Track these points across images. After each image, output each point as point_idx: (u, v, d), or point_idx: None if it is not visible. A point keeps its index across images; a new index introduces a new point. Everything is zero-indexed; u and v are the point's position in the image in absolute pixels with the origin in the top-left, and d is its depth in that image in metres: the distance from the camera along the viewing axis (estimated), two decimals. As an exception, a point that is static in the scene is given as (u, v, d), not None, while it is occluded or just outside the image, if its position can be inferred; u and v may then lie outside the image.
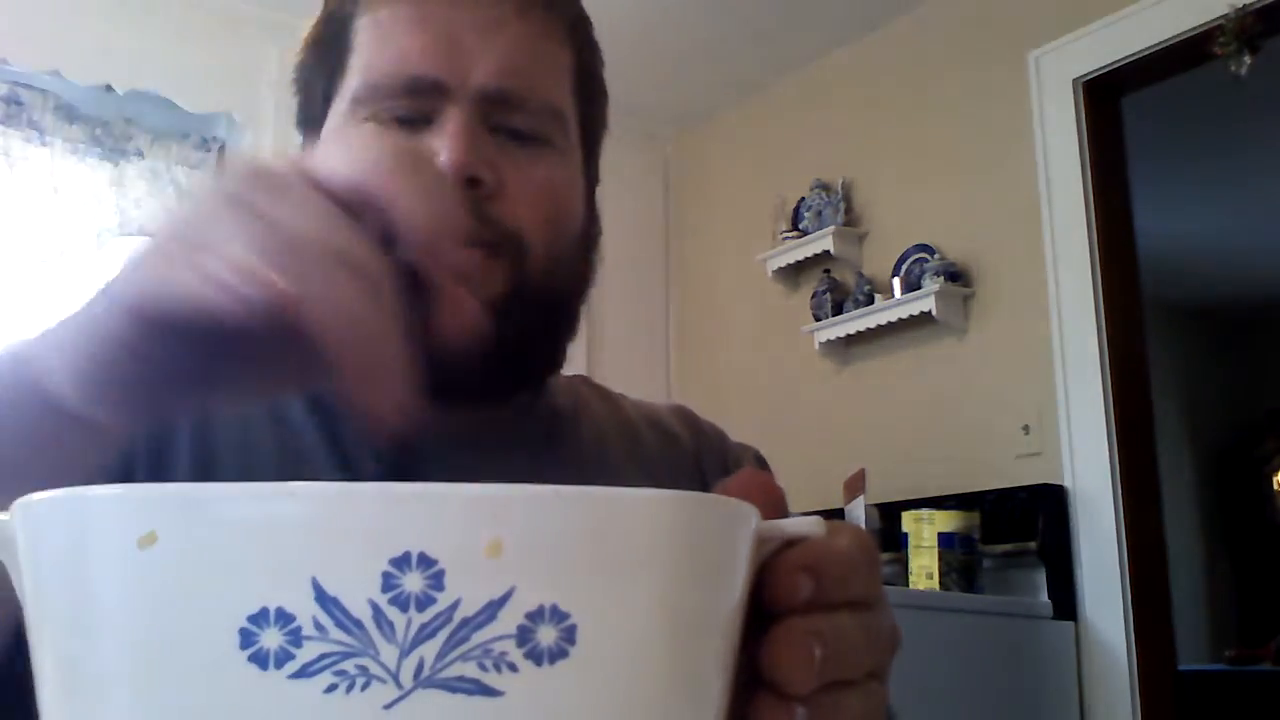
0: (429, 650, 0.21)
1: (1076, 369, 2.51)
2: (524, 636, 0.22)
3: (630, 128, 3.58)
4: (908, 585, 2.38)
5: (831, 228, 3.08)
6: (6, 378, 0.41)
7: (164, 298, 0.33)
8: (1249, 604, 5.43)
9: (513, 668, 0.22)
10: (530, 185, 0.63)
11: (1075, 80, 2.62)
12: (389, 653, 0.21)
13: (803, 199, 3.25)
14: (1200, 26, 2.38)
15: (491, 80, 0.62)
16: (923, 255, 2.87)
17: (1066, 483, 2.49)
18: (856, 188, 3.15)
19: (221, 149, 3.18)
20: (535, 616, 0.22)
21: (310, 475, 0.62)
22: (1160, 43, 2.48)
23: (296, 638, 0.21)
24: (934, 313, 2.75)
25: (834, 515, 2.31)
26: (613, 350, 3.49)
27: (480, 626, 0.22)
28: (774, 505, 0.30)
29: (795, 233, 3.23)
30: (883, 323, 2.90)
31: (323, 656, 0.21)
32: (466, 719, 0.22)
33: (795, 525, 0.30)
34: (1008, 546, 2.51)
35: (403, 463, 0.62)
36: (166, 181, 3.07)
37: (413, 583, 0.21)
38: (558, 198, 0.66)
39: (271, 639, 0.21)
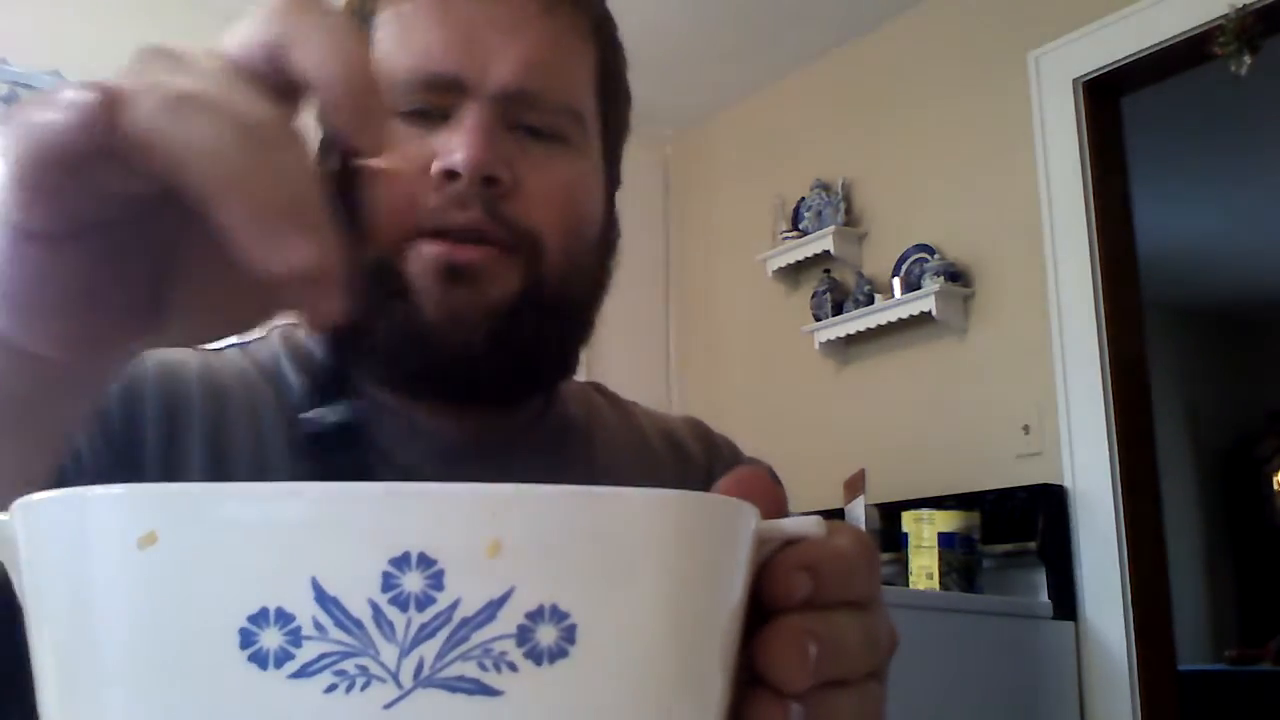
0: (429, 650, 0.21)
1: (1076, 369, 2.51)
2: (524, 636, 0.22)
3: (630, 128, 3.58)
4: (908, 585, 2.38)
5: (831, 228, 3.08)
6: None
7: (39, 147, 0.29)
8: (1249, 604, 5.43)
9: (512, 667, 0.22)
10: (547, 185, 0.63)
11: (1075, 80, 2.62)
12: (389, 652, 0.21)
13: (803, 199, 3.25)
14: (1200, 26, 2.38)
15: (511, 78, 0.62)
16: (923, 255, 2.87)
17: (1066, 483, 2.49)
18: (856, 188, 3.16)
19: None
20: (535, 616, 0.22)
21: (319, 476, 0.62)
22: (1160, 43, 2.48)
23: (296, 638, 0.21)
24: (934, 313, 2.75)
25: (834, 515, 2.31)
26: (613, 350, 3.49)
27: (480, 626, 0.22)
28: (774, 505, 0.30)
29: (795, 233, 3.23)
30: (883, 323, 2.90)
31: (322, 656, 0.21)
32: (466, 719, 0.22)
33: (795, 525, 0.30)
34: (1008, 546, 2.51)
35: (414, 470, 0.62)
36: (166, 181, 3.07)
37: (412, 582, 0.21)
38: (575, 198, 0.65)
39: (271, 639, 0.21)
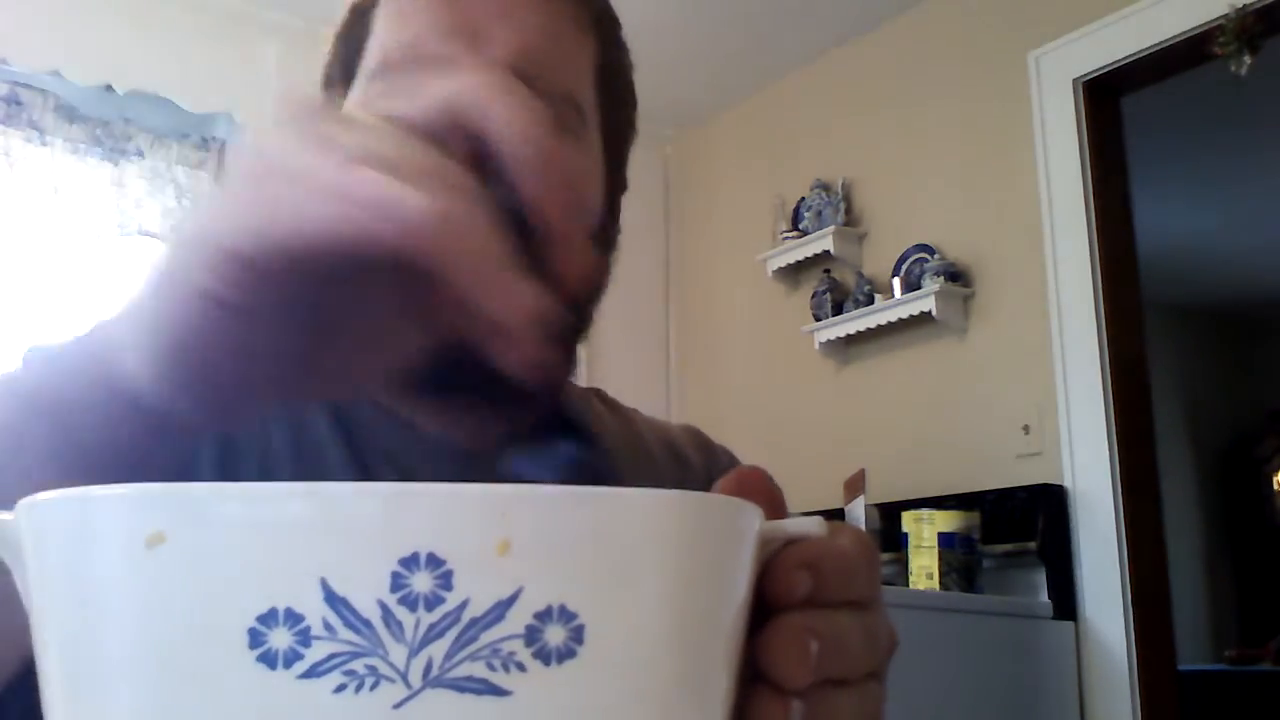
0: (438, 650, 0.21)
1: (1076, 369, 2.51)
2: (532, 636, 0.22)
3: (630, 128, 3.58)
4: (908, 585, 2.38)
5: (831, 228, 3.09)
6: (80, 374, 0.37)
7: (275, 230, 0.29)
8: (1249, 604, 5.43)
9: (521, 667, 0.22)
10: None
11: (1075, 80, 2.62)
12: (398, 652, 0.21)
13: (803, 199, 3.25)
14: (1200, 26, 2.38)
15: (505, 59, 0.61)
16: (923, 255, 2.87)
17: (1066, 483, 2.49)
18: (856, 188, 3.16)
19: (221, 149, 3.19)
20: (543, 616, 0.22)
21: (324, 476, 0.62)
22: (1160, 43, 2.48)
23: (305, 638, 0.21)
24: (934, 313, 2.75)
25: (834, 515, 2.31)
26: (613, 350, 3.49)
27: (489, 626, 0.22)
28: (773, 506, 0.30)
29: (795, 233, 3.23)
30: (883, 323, 2.90)
31: (331, 656, 0.21)
32: (475, 719, 0.22)
33: (797, 525, 0.30)
34: (1008, 546, 2.51)
35: (416, 471, 0.62)
36: (166, 181, 3.07)
37: (421, 583, 0.22)
38: (579, 184, 0.64)
39: (280, 639, 0.21)
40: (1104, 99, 2.65)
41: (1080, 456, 2.48)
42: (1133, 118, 2.74)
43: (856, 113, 3.20)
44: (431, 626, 0.21)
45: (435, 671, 0.21)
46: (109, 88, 2.88)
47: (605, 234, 0.69)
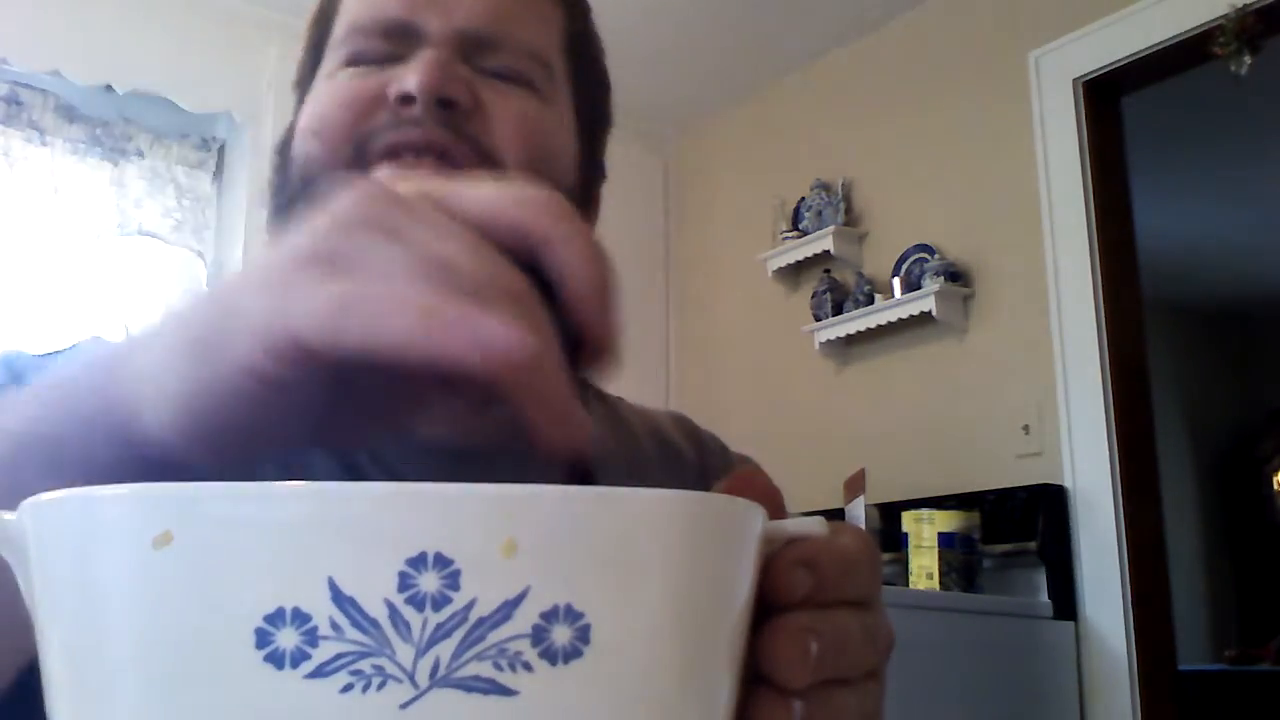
0: (445, 650, 0.22)
1: (1076, 369, 2.51)
2: (539, 636, 0.22)
3: (630, 128, 3.59)
4: (908, 585, 2.39)
5: (831, 228, 3.09)
6: (87, 420, 0.35)
7: (351, 335, 0.29)
8: (1249, 604, 5.43)
9: (528, 667, 0.22)
10: (512, 112, 0.61)
11: (1075, 80, 2.62)
12: (405, 652, 0.21)
13: (803, 199, 3.25)
14: (1200, 26, 2.38)
15: (468, 22, 0.61)
16: (923, 255, 2.87)
17: (1066, 483, 2.49)
18: (856, 188, 3.16)
19: (221, 149, 3.19)
20: (550, 616, 0.22)
21: (309, 475, 0.61)
22: (1160, 43, 2.48)
23: (313, 637, 0.21)
24: (934, 313, 2.75)
25: (834, 515, 2.31)
26: (613, 350, 3.49)
27: (496, 626, 0.22)
28: (773, 506, 0.30)
29: (795, 233, 3.23)
30: (883, 323, 2.90)
31: (339, 656, 0.21)
32: (482, 719, 0.22)
33: (798, 525, 0.30)
34: (1008, 546, 2.51)
35: (402, 467, 0.61)
36: (166, 181, 3.07)
37: (429, 583, 0.22)
38: (542, 136, 0.62)
39: (288, 639, 0.21)
40: (1104, 99, 2.65)
41: (1080, 456, 2.48)
42: (1133, 118, 2.74)
43: (856, 113, 3.20)
44: (439, 626, 0.21)
45: (442, 671, 0.21)
46: (109, 88, 2.88)
47: (580, 208, 0.68)
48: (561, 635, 0.22)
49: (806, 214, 3.23)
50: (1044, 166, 2.64)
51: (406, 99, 0.58)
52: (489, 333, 0.28)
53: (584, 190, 0.68)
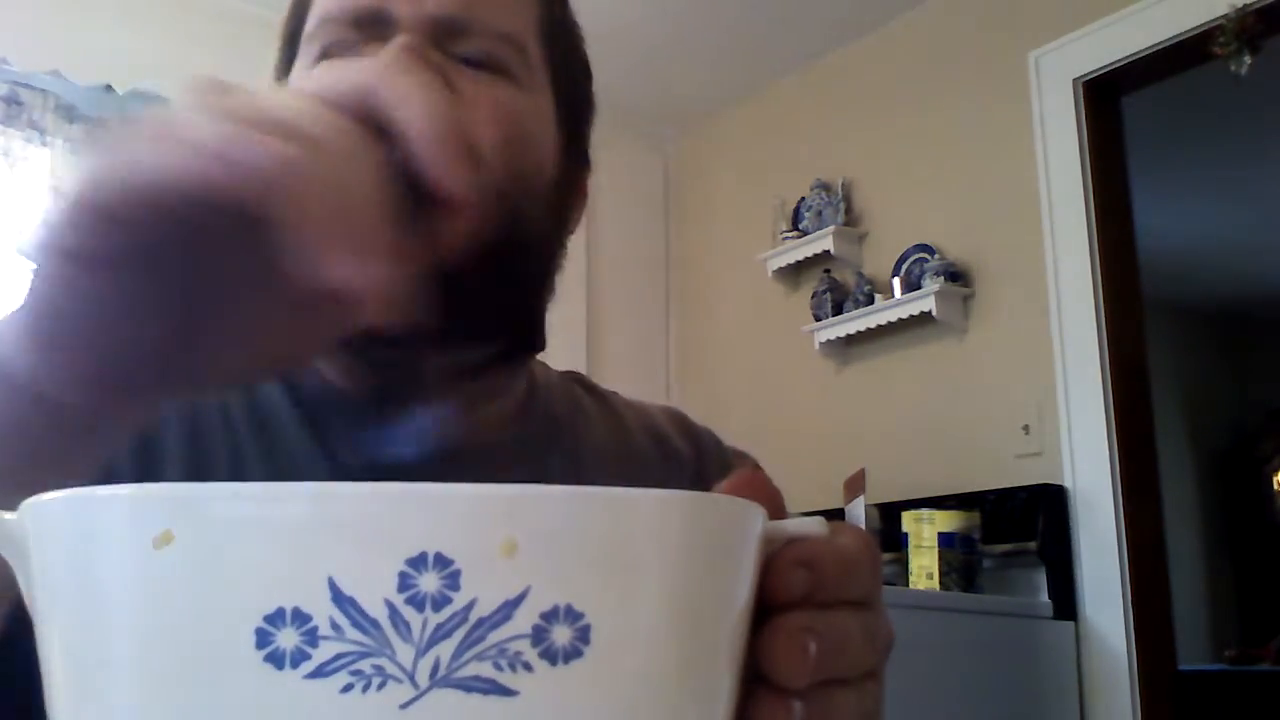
0: (445, 650, 0.22)
1: (1076, 369, 2.51)
2: (539, 636, 0.22)
3: (630, 128, 3.58)
4: (908, 585, 2.38)
5: (831, 228, 3.09)
6: None
7: (135, 180, 0.30)
8: (1249, 604, 5.43)
9: (528, 667, 0.22)
10: (487, 99, 0.60)
11: (1075, 80, 2.62)
12: (405, 652, 0.21)
13: (803, 199, 3.25)
14: (1200, 26, 2.38)
15: (440, 8, 0.60)
16: (923, 255, 2.87)
17: (1066, 483, 2.49)
18: (856, 188, 3.16)
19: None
20: (550, 616, 0.22)
21: (296, 475, 0.61)
22: (1160, 43, 2.48)
23: (313, 637, 0.21)
24: (934, 313, 2.75)
25: (834, 515, 2.31)
26: (613, 350, 3.50)
27: (496, 626, 0.22)
28: (773, 506, 0.30)
29: (795, 233, 3.23)
30: (883, 323, 2.90)
31: (339, 656, 0.21)
32: (482, 719, 0.22)
33: (798, 525, 0.30)
34: (1008, 546, 2.51)
35: (390, 470, 0.61)
36: (166, 181, 3.07)
37: (429, 583, 0.22)
38: (518, 123, 0.61)
39: (288, 639, 0.21)
40: (1104, 99, 2.65)
41: (1080, 456, 2.48)
42: (1133, 118, 2.74)
43: (856, 113, 3.20)
44: (439, 626, 0.21)
45: (442, 671, 0.21)
46: (109, 88, 2.88)
47: (560, 199, 0.66)
48: (561, 635, 0.22)
49: (806, 214, 3.23)
50: (1044, 166, 2.64)
51: None
52: (239, 151, 0.29)
53: (567, 179, 0.67)
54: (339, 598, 0.21)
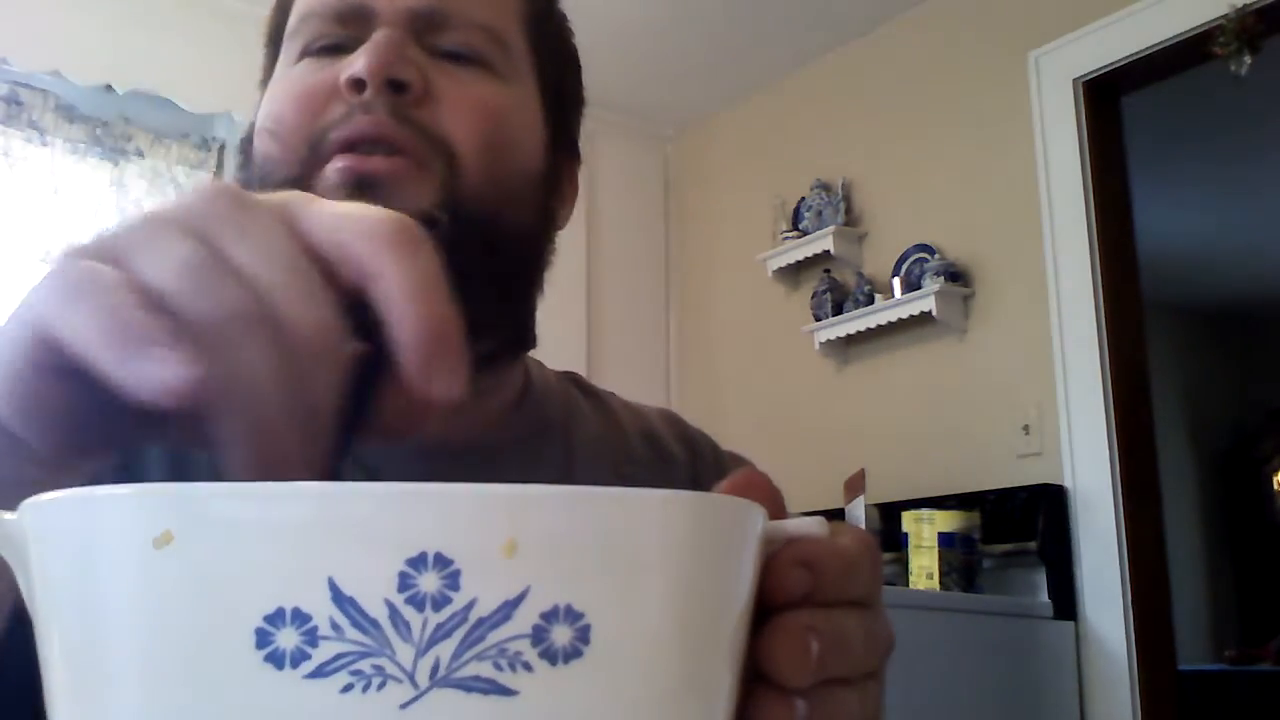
0: (445, 650, 0.21)
1: (1076, 369, 2.51)
2: (539, 636, 0.22)
3: (630, 128, 3.59)
4: (908, 585, 2.39)
5: (831, 228, 3.09)
6: None
7: (54, 334, 0.28)
8: (1249, 604, 5.43)
9: (528, 667, 0.22)
10: (465, 97, 0.59)
11: (1075, 80, 2.62)
12: (405, 652, 0.21)
13: (803, 199, 3.25)
14: (1200, 26, 2.38)
15: (420, 1, 0.60)
16: (923, 255, 2.87)
17: (1066, 483, 2.49)
18: (856, 188, 3.16)
19: (221, 149, 3.18)
20: (550, 616, 0.22)
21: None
22: (1160, 43, 2.48)
23: (313, 637, 0.21)
24: (934, 313, 2.75)
25: (834, 515, 2.31)
26: (613, 350, 3.50)
27: (496, 626, 0.22)
28: (774, 506, 0.30)
29: (795, 233, 3.23)
30: (883, 323, 2.90)
31: (339, 656, 0.21)
32: (482, 719, 0.22)
33: (798, 525, 0.30)
34: (1008, 546, 2.51)
35: (381, 470, 0.59)
36: (166, 181, 3.07)
37: (429, 583, 0.22)
38: (500, 120, 0.60)
39: (288, 639, 0.21)
40: (1104, 99, 2.65)
41: (1080, 456, 2.48)
42: (1133, 118, 2.74)
43: (856, 113, 3.20)
44: (439, 626, 0.21)
45: (442, 671, 0.21)
46: (109, 88, 2.88)
47: (547, 196, 0.66)
48: (562, 635, 0.22)
49: (806, 214, 3.23)
50: (1044, 166, 2.64)
51: (356, 84, 0.57)
52: (154, 364, 0.26)
53: (554, 173, 0.67)
54: (339, 598, 0.21)
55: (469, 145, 0.59)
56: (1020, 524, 2.50)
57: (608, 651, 0.23)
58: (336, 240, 0.30)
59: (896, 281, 2.90)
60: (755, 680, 0.29)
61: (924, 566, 2.38)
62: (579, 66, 0.72)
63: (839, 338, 3.04)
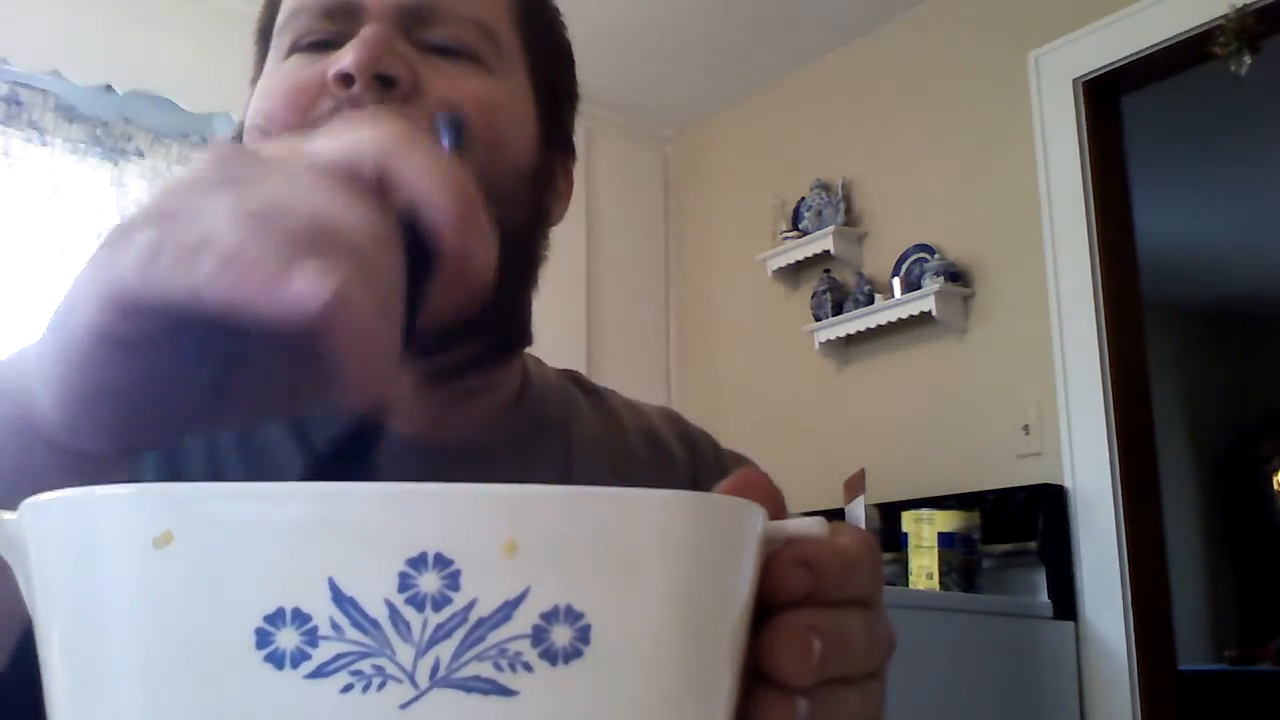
0: (445, 650, 0.21)
1: (1076, 369, 2.51)
2: (539, 636, 0.22)
3: (630, 128, 3.59)
4: (908, 585, 2.39)
5: (831, 228, 3.09)
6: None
7: (169, 291, 0.29)
8: (1249, 604, 5.43)
9: (528, 668, 0.22)
10: (456, 91, 0.59)
11: (1075, 80, 2.62)
12: (405, 653, 0.21)
13: (803, 199, 3.25)
14: (1200, 26, 2.38)
15: None
16: (923, 255, 2.87)
17: (1066, 483, 2.49)
18: (856, 188, 3.16)
19: (221, 149, 3.18)
20: (550, 616, 0.22)
21: (278, 475, 0.60)
22: (1160, 43, 2.48)
23: (313, 638, 0.21)
24: (934, 313, 2.75)
25: (834, 515, 2.31)
26: (613, 350, 3.50)
27: (496, 626, 0.22)
28: (774, 507, 0.30)
29: (795, 233, 3.23)
30: (883, 323, 2.90)
31: (339, 656, 0.21)
32: (482, 719, 0.22)
33: (798, 525, 0.30)
34: (1008, 546, 2.51)
35: (379, 471, 0.60)
36: (166, 181, 3.07)
37: (429, 583, 0.22)
38: (489, 115, 0.60)
39: (288, 639, 0.21)
40: (1104, 99, 2.65)
41: (1080, 456, 2.48)
42: (1133, 118, 2.74)
43: (856, 113, 3.20)
44: (439, 627, 0.21)
45: (442, 672, 0.21)
46: (109, 88, 2.88)
47: (538, 193, 0.65)
48: (562, 635, 0.22)
49: (806, 214, 3.23)
50: (1044, 166, 2.64)
51: (345, 79, 0.57)
52: (296, 294, 0.28)
53: (547, 169, 0.66)
54: (339, 598, 0.21)
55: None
56: (1020, 524, 2.49)
57: (608, 651, 0.23)
58: (348, 154, 0.32)
59: (896, 281, 2.90)
60: (756, 680, 0.29)
61: (924, 566, 2.38)
62: (572, 60, 0.71)
63: (839, 338, 3.04)
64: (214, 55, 2.94)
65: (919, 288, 2.81)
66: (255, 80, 0.66)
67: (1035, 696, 2.36)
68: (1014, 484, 2.55)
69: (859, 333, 2.98)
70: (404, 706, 0.21)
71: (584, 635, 0.22)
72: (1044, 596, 2.47)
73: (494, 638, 0.22)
